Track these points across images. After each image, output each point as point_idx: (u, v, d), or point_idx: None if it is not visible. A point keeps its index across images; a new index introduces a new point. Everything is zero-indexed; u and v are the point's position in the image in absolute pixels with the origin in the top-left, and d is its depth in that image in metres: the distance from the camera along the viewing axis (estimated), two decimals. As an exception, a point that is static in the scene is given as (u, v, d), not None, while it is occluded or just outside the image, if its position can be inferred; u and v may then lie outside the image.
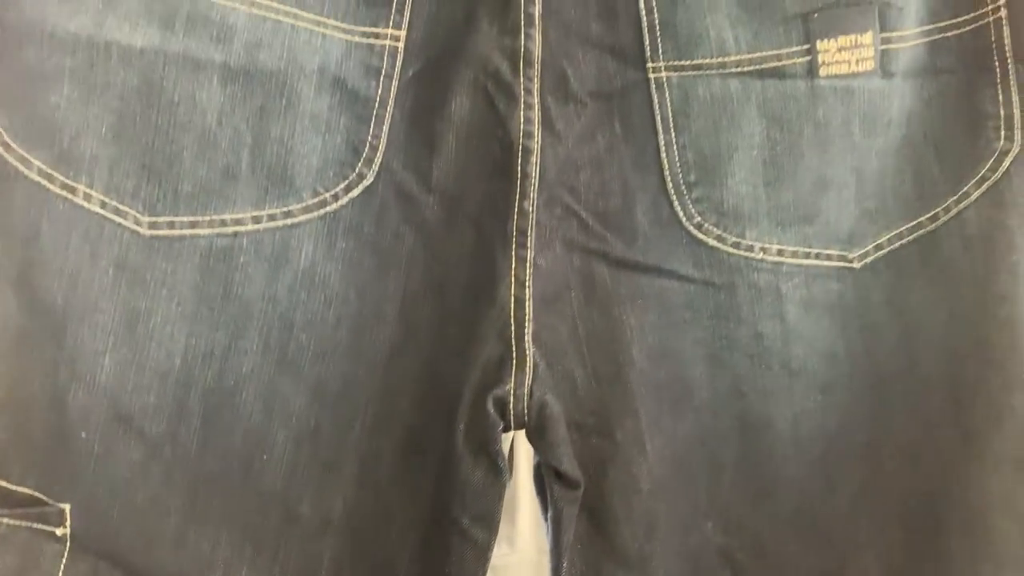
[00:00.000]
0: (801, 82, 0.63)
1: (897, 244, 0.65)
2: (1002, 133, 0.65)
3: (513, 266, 0.61)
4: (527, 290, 0.61)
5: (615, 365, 0.63)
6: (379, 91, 0.61)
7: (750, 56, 0.63)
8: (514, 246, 0.61)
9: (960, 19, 0.65)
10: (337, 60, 0.61)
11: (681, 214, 0.63)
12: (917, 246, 0.65)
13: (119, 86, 0.57)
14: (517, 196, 0.61)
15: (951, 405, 0.64)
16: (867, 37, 0.63)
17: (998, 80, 0.65)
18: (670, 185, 0.63)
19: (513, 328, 0.61)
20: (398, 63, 0.62)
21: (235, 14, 0.59)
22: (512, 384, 0.60)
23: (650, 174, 0.64)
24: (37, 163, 0.57)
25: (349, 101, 0.61)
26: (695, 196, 0.63)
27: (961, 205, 0.65)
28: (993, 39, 0.65)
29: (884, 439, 0.64)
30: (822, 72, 0.63)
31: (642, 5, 0.63)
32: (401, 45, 0.62)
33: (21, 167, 0.57)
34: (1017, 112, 0.65)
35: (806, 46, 0.63)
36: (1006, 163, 0.64)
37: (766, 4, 0.63)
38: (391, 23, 0.62)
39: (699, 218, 0.63)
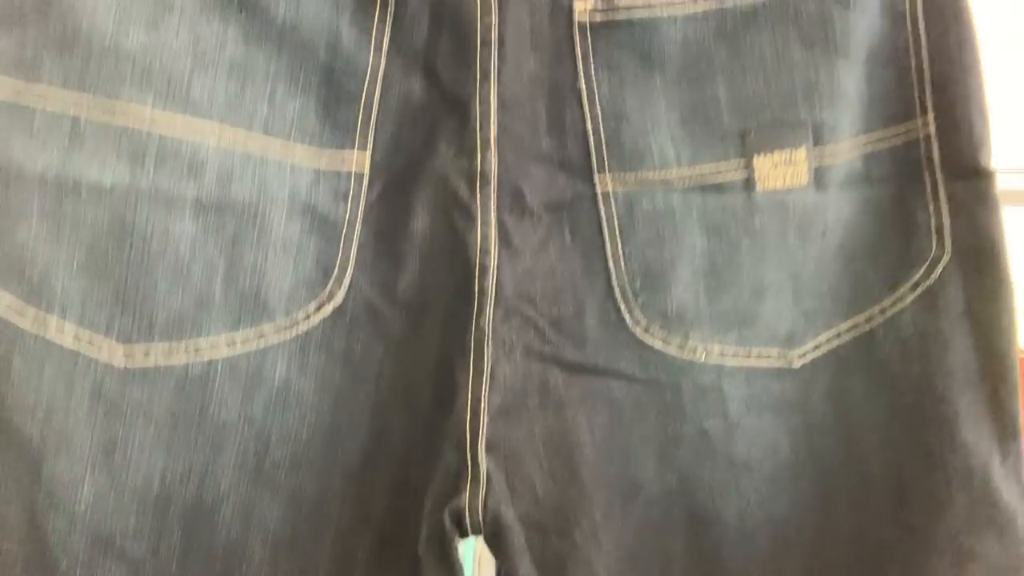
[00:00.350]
0: (739, 196, 0.67)
1: (835, 344, 0.69)
2: (933, 241, 0.69)
3: (471, 379, 0.63)
4: (482, 403, 0.63)
5: (571, 465, 0.66)
6: (347, 214, 0.64)
7: (691, 171, 0.67)
8: (472, 359, 0.63)
9: (891, 131, 0.69)
10: (306, 187, 0.63)
11: (628, 319, 0.67)
12: (854, 345, 0.69)
13: (89, 223, 0.59)
14: (475, 312, 0.64)
15: (893, 499, 0.67)
16: (801, 153, 0.67)
17: (928, 191, 0.69)
18: (617, 292, 0.67)
19: (468, 439, 0.63)
20: (364, 185, 0.64)
21: (204, 148, 0.61)
22: (467, 495, 0.63)
23: (598, 281, 0.67)
24: (8, 298, 0.58)
25: (319, 225, 0.63)
26: (641, 302, 0.67)
27: (896, 308, 0.69)
28: (923, 152, 0.69)
29: (828, 530, 0.68)
30: (758, 187, 0.67)
31: (589, 122, 0.67)
32: (367, 167, 0.64)
33: None
34: (947, 222, 0.68)
35: (743, 160, 0.67)
36: (938, 270, 0.68)
37: (706, 122, 0.67)
38: (356, 146, 0.64)
39: (645, 322, 0.67)
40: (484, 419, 0.63)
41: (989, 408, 0.67)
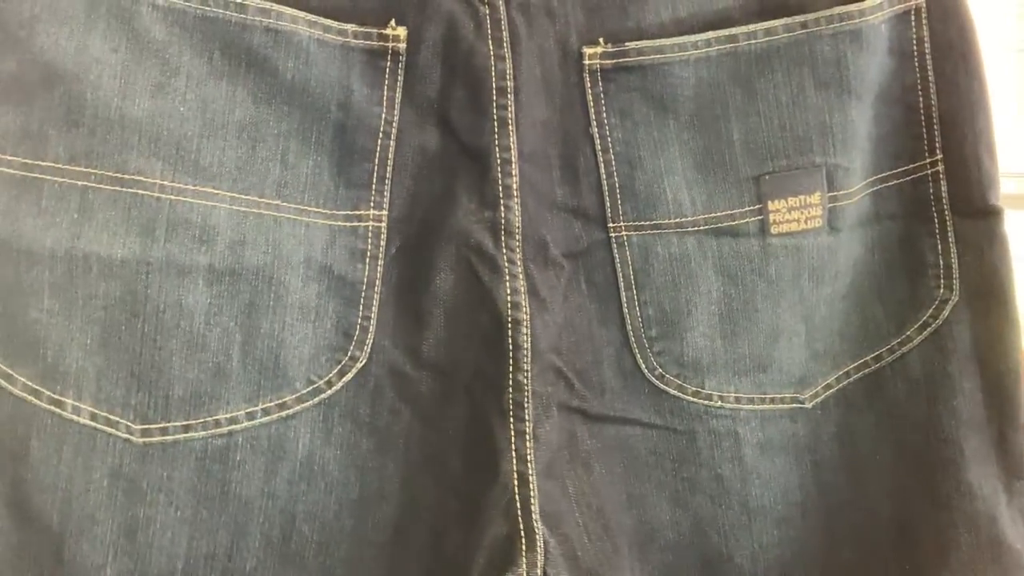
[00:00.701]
0: (754, 240, 0.67)
1: (845, 383, 0.70)
2: (941, 282, 0.69)
3: (513, 441, 0.62)
4: (529, 465, 0.61)
5: (602, 520, 0.65)
6: (366, 273, 0.62)
7: (705, 216, 0.67)
8: (512, 420, 0.62)
9: (900, 169, 0.69)
10: (322, 248, 0.61)
11: (644, 366, 0.67)
12: (863, 385, 0.70)
13: (101, 297, 0.57)
14: (511, 368, 0.62)
15: (899, 539, 0.68)
16: (815, 197, 0.67)
17: (937, 231, 0.69)
18: (632, 339, 0.67)
19: (519, 506, 0.61)
20: (382, 243, 0.63)
21: (216, 213, 0.59)
22: (524, 566, 0.59)
23: (614, 329, 0.67)
24: (21, 379, 0.56)
25: (337, 286, 0.62)
26: (656, 350, 0.67)
27: (904, 348, 0.69)
28: (931, 191, 0.69)
29: (836, 570, 0.69)
30: (773, 231, 0.67)
31: (602, 169, 0.66)
32: (384, 225, 0.63)
33: (5, 383, 0.56)
34: (955, 262, 0.69)
35: (758, 206, 0.67)
36: (946, 311, 0.69)
37: (720, 167, 0.67)
38: (372, 204, 0.63)
39: (660, 370, 0.67)
40: (534, 482, 0.61)
41: (996, 450, 0.68)
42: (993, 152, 0.69)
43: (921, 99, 0.69)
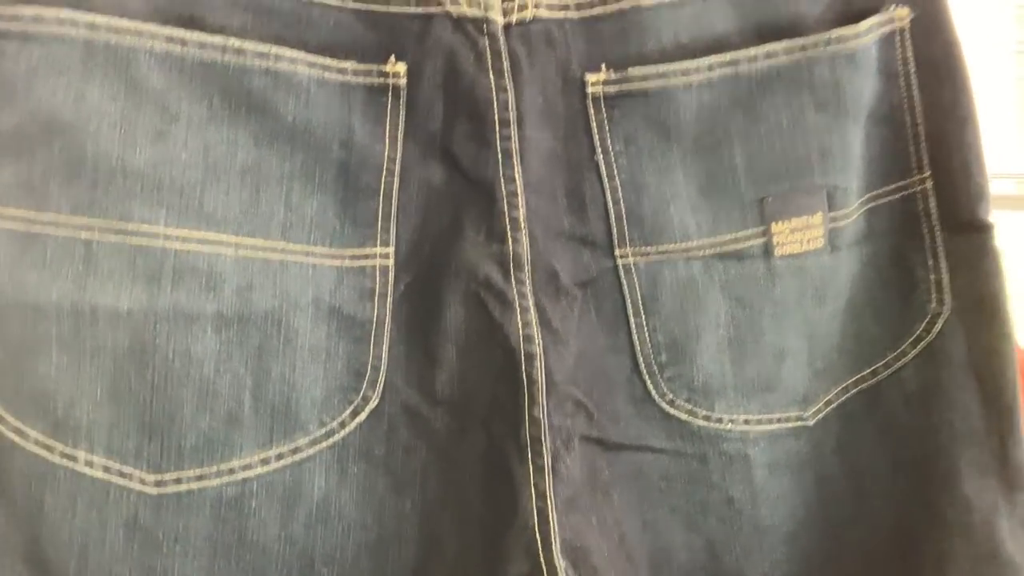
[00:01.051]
0: (759, 263, 0.67)
1: (844, 398, 0.70)
2: (933, 297, 0.69)
3: (531, 476, 0.61)
4: (549, 500, 0.61)
5: (625, 549, 0.65)
6: (375, 312, 0.62)
7: (711, 241, 0.67)
8: (530, 454, 0.61)
9: (891, 187, 0.70)
10: (330, 289, 0.61)
11: (654, 393, 0.67)
12: (861, 400, 0.70)
13: (109, 349, 0.56)
14: (526, 403, 0.62)
15: (899, 553, 0.69)
16: (817, 218, 0.67)
17: (927, 246, 0.70)
18: (643, 366, 0.67)
19: (540, 542, 0.60)
20: (390, 280, 0.62)
21: (222, 260, 0.58)
22: None
23: (624, 357, 0.67)
24: (34, 434, 0.56)
25: (346, 326, 0.61)
26: (667, 375, 0.67)
27: (899, 363, 0.70)
28: (921, 207, 0.70)
29: None
30: (777, 252, 0.67)
31: (609, 196, 0.66)
32: (391, 262, 0.62)
33: (17, 439, 0.55)
34: (946, 277, 0.69)
35: (761, 228, 0.67)
36: (938, 325, 0.69)
37: (724, 190, 0.67)
38: (379, 241, 0.62)
39: (671, 395, 0.67)
40: (554, 517, 0.61)
41: (995, 462, 0.68)
42: (982, 167, 0.69)
43: (908, 117, 0.69)
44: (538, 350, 0.62)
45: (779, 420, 0.69)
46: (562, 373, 0.63)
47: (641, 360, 0.67)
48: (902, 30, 0.69)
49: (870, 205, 0.70)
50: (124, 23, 0.58)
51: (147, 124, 0.58)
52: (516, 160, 0.63)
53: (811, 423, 0.70)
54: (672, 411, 0.67)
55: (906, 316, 0.70)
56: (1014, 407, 0.69)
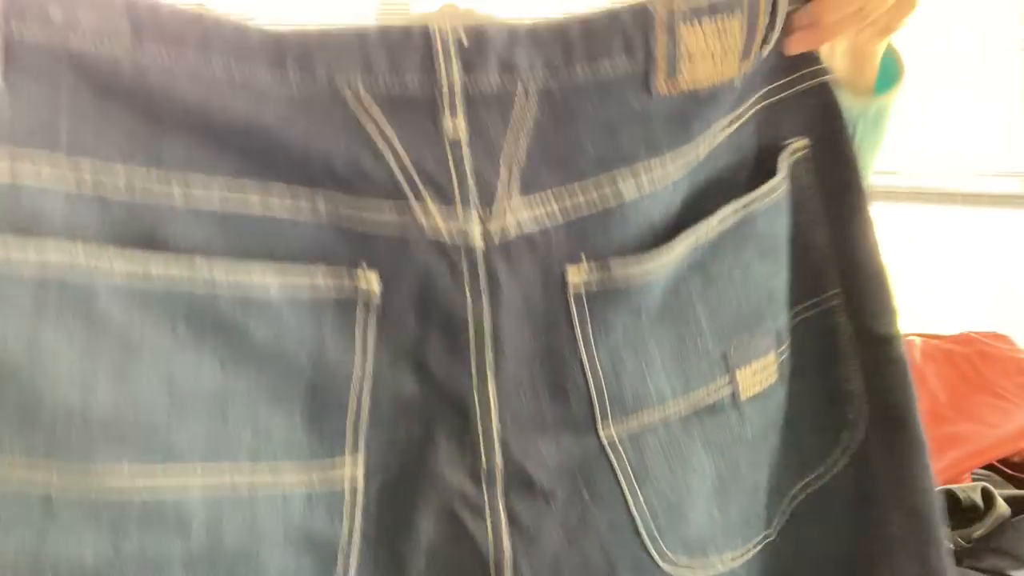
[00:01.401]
0: (730, 410, 0.69)
1: (792, 505, 0.74)
2: (853, 408, 0.73)
3: None
4: None
5: None
6: (343, 529, 0.60)
7: (686, 399, 0.68)
8: None
9: (809, 303, 0.74)
10: (301, 514, 0.59)
11: (657, 558, 0.67)
12: (806, 506, 0.74)
13: None
14: None
15: None
16: (771, 356, 0.71)
17: (842, 359, 0.74)
18: (644, 535, 0.66)
19: None
20: (359, 494, 0.60)
21: (190, 499, 0.56)
22: None
23: (626, 532, 0.66)
24: None
25: (315, 547, 0.60)
26: (666, 539, 0.67)
27: (831, 473, 0.74)
28: (834, 322, 0.74)
29: None
30: (743, 396, 0.70)
31: (591, 383, 0.65)
32: (360, 475, 0.60)
33: None
34: (859, 388, 0.73)
35: (727, 377, 0.69)
36: (859, 435, 0.73)
37: (693, 351, 0.68)
38: (347, 451, 0.60)
39: (671, 555, 0.68)
40: None
41: (919, 569, 0.72)
42: (884, 281, 0.74)
43: (818, 238, 0.73)
44: (506, 558, 0.62)
45: (755, 545, 0.72)
46: (539, 573, 0.63)
47: (642, 529, 0.66)
48: (806, 159, 0.72)
49: (794, 322, 0.74)
50: (79, 255, 0.54)
51: (106, 363, 0.54)
52: (490, 374, 0.62)
53: (774, 537, 0.73)
54: (671, 570, 0.68)
55: (834, 427, 0.74)
56: (931, 514, 0.71)
